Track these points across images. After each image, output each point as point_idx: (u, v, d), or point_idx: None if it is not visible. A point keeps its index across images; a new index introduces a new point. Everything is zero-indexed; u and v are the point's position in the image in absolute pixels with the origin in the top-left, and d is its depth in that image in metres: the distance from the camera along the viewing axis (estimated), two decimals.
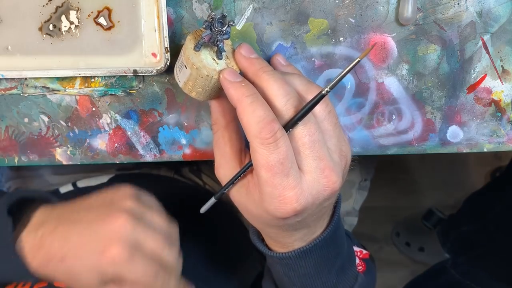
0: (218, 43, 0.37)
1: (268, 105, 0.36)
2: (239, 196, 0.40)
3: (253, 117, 0.34)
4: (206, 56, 0.38)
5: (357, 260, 0.48)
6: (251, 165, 0.37)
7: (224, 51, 0.39)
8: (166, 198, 0.64)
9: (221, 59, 0.38)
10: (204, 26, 0.37)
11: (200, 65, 0.37)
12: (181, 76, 0.39)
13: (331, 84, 0.34)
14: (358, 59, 0.34)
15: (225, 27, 0.37)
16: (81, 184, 0.66)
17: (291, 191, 0.35)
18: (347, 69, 0.34)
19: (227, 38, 0.38)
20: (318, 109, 0.37)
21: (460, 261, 1.14)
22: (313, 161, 0.35)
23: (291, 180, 0.35)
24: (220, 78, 0.37)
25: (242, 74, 0.39)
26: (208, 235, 0.61)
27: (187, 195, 0.67)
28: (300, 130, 0.35)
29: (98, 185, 0.65)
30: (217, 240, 0.61)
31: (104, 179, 0.66)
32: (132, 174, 0.69)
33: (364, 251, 0.49)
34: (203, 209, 0.43)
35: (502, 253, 1.05)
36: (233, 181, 0.39)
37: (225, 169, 0.40)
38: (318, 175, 0.36)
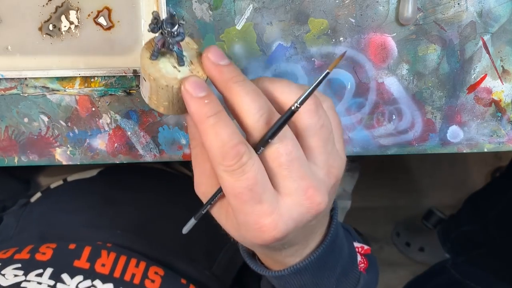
0: (171, 47, 0.33)
1: (239, 120, 0.32)
2: (219, 217, 0.37)
3: (215, 142, 0.31)
4: (165, 65, 0.33)
5: (359, 257, 0.46)
6: None
7: (184, 55, 0.34)
8: (156, 189, 0.64)
9: (183, 65, 0.34)
10: (149, 29, 0.33)
11: (158, 75, 0.32)
12: (144, 91, 0.35)
13: (301, 99, 0.31)
14: (327, 71, 0.31)
15: (176, 27, 0.32)
16: (71, 178, 0.66)
17: (268, 218, 0.32)
18: (316, 82, 0.31)
19: (181, 40, 0.33)
20: (309, 122, 0.33)
21: (460, 261, 1.15)
22: (293, 182, 0.32)
23: (265, 207, 0.31)
24: (181, 89, 0.32)
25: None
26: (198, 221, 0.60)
27: (177, 185, 0.67)
28: (275, 148, 0.32)
29: (88, 178, 0.65)
30: (206, 224, 0.61)
31: (93, 172, 0.66)
32: (122, 167, 0.69)
33: (366, 247, 0.47)
34: (184, 230, 0.41)
35: (502, 252, 1.06)
36: (210, 202, 0.36)
37: (206, 187, 0.36)
38: (300, 197, 0.32)
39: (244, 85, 0.32)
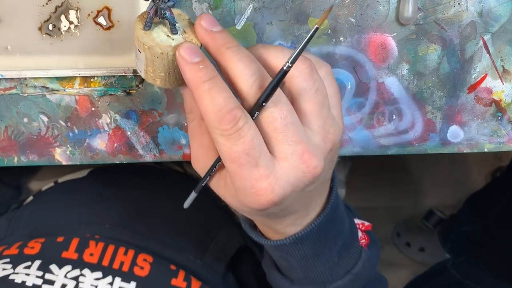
0: (164, 12, 0.33)
1: (234, 86, 0.32)
2: (218, 188, 0.37)
3: (211, 106, 0.31)
4: (159, 34, 0.34)
5: (360, 234, 0.46)
6: None
7: (177, 22, 0.34)
8: (146, 185, 0.65)
9: (176, 33, 0.34)
10: None
11: (152, 44, 0.33)
12: (140, 65, 0.35)
13: (292, 58, 0.31)
14: (316, 26, 0.30)
15: None
16: (62, 180, 0.66)
17: (264, 181, 0.32)
18: (306, 39, 0.31)
19: (172, 5, 0.33)
20: (303, 85, 0.33)
21: (461, 261, 1.14)
22: (289, 146, 0.32)
23: (262, 170, 0.32)
24: (176, 56, 0.33)
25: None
26: (184, 210, 0.60)
27: (167, 181, 0.67)
28: (270, 113, 0.32)
29: (78, 178, 0.65)
30: (194, 213, 0.60)
31: (84, 173, 0.66)
32: (112, 166, 0.69)
33: (366, 223, 0.47)
34: (185, 205, 0.41)
35: (502, 252, 1.06)
36: (210, 174, 0.36)
37: (204, 161, 0.36)
38: (296, 161, 0.32)
39: (237, 51, 0.32)
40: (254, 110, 0.32)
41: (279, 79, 0.31)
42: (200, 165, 0.37)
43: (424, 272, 1.20)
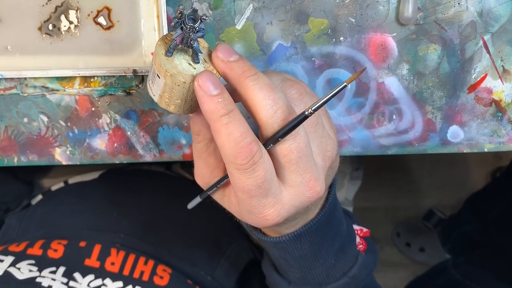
0: (192, 42, 0.33)
1: (253, 114, 0.33)
2: (221, 200, 0.39)
3: (227, 141, 0.31)
4: (181, 62, 0.33)
5: (358, 239, 0.47)
6: None
7: (201, 52, 0.34)
8: (157, 192, 0.65)
9: (198, 62, 0.34)
10: (173, 23, 0.32)
11: (175, 72, 0.32)
12: (155, 89, 0.34)
13: (315, 106, 0.31)
14: (344, 83, 0.31)
15: (198, 23, 0.32)
16: (72, 181, 0.66)
17: (271, 208, 0.34)
18: (333, 92, 0.31)
19: (201, 36, 0.33)
20: (298, 110, 0.34)
21: (461, 261, 1.14)
22: (299, 175, 0.33)
23: (270, 199, 0.33)
24: (194, 86, 0.32)
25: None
26: (195, 220, 0.60)
27: (178, 188, 0.68)
28: (287, 146, 0.32)
29: (89, 181, 0.65)
30: (204, 224, 0.61)
31: (95, 175, 0.66)
32: (124, 169, 0.69)
33: (365, 229, 0.48)
34: (189, 206, 0.42)
35: (503, 253, 1.05)
36: (216, 186, 0.38)
37: (209, 178, 0.38)
38: (303, 188, 0.34)
39: (256, 79, 0.32)
40: (270, 142, 0.33)
41: (298, 122, 0.32)
42: (205, 181, 0.38)
43: (424, 273, 1.20)
